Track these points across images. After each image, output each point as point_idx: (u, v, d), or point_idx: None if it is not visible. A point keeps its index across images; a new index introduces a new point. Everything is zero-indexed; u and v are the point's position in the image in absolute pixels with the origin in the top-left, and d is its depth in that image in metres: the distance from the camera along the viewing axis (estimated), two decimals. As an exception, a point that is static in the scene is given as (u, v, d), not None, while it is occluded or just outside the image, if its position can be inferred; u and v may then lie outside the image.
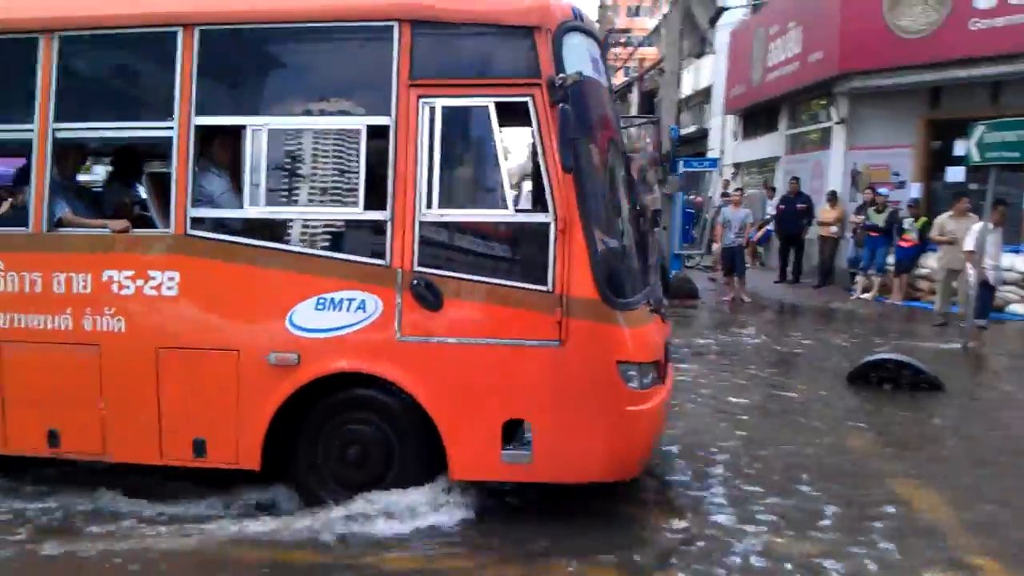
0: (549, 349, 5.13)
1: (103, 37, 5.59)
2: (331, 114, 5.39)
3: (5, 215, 5.97)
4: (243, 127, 5.39)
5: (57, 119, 5.53)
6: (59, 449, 5.64)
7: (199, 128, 5.40)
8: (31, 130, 5.53)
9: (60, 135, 5.58)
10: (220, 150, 5.65)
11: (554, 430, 5.22)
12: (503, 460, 5.25)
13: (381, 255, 5.23)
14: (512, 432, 5.25)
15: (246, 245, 5.42)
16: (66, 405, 5.58)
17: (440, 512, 5.34)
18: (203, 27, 5.36)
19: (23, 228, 5.63)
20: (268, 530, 5.26)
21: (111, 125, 5.76)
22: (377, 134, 5.22)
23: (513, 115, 5.19)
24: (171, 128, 5.39)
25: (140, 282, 5.47)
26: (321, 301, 5.29)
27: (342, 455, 5.48)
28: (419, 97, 5.17)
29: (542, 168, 5.12)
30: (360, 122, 5.28)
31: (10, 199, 6.07)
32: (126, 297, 5.47)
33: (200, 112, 5.38)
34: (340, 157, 5.38)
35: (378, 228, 5.26)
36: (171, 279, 5.45)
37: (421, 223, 5.19)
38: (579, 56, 5.30)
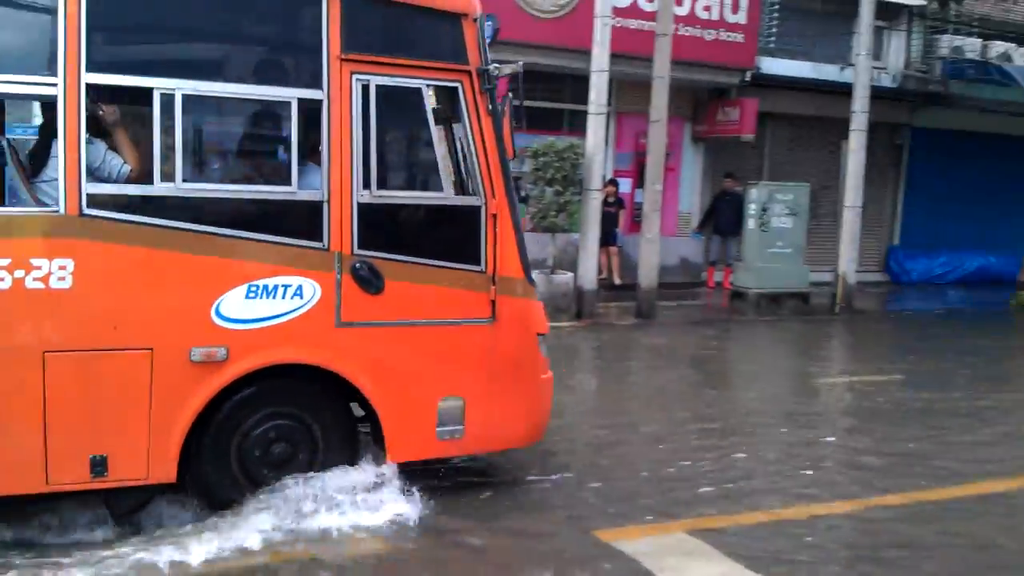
0: (483, 326, 5.32)
1: None
2: (258, 83, 4.93)
3: None
4: (150, 89, 4.60)
5: None
6: None
7: (91, 87, 4.50)
8: None
9: None
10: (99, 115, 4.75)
11: (485, 403, 5.36)
12: (438, 438, 5.29)
13: (318, 237, 4.92)
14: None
15: (161, 227, 4.63)
16: None
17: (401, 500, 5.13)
18: None
19: None
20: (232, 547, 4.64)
21: None
22: (310, 108, 4.92)
23: (444, 99, 5.27)
24: (55, 85, 4.44)
25: (20, 273, 4.40)
26: (252, 288, 4.82)
27: (264, 452, 5.06)
28: (352, 73, 4.96)
29: (472, 154, 5.24)
30: (291, 94, 4.88)
31: None
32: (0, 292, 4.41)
33: (92, 69, 4.49)
34: (270, 131, 5.14)
35: (313, 209, 4.92)
36: (63, 268, 4.47)
37: (359, 204, 4.97)
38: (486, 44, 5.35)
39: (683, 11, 15.43)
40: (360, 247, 4.99)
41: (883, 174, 19.36)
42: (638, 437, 7.19)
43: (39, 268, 4.43)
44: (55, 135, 4.55)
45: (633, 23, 14.97)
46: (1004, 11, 19.04)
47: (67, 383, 4.53)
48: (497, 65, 5.29)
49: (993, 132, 19.59)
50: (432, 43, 5.23)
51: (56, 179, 4.52)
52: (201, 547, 4.58)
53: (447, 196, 5.30)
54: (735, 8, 16.21)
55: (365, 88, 4.98)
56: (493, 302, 5.33)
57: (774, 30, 17.30)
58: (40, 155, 4.82)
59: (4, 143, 4.84)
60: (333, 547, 4.76)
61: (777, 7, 17.34)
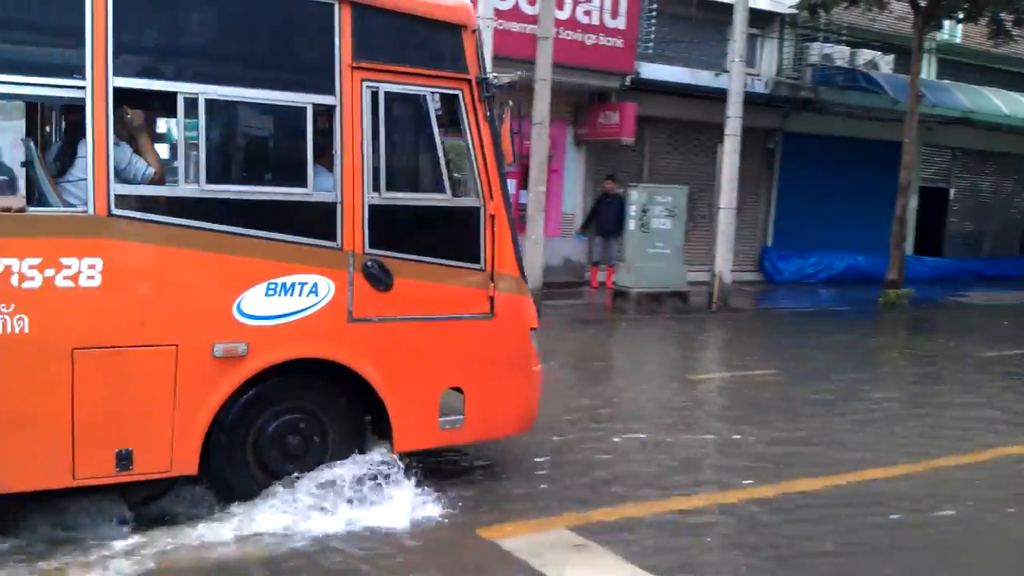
0: (482, 322, 5.67)
1: None
2: (275, 89, 5.07)
3: None
4: (174, 94, 4.78)
5: None
6: None
7: (118, 91, 4.61)
8: None
9: None
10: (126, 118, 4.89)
11: (484, 394, 5.70)
12: (440, 428, 5.59)
13: (332, 237, 5.16)
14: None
15: (186, 227, 4.79)
16: None
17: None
18: None
19: None
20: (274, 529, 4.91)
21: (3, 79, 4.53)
22: (323, 113, 5.19)
23: (446, 105, 5.57)
24: (83, 88, 4.55)
25: (50, 272, 4.49)
26: (272, 286, 5.02)
27: (279, 445, 5.24)
28: (362, 80, 5.22)
29: (472, 158, 5.59)
30: (306, 99, 5.09)
31: None
32: (30, 291, 4.45)
33: (119, 72, 4.60)
34: (285, 135, 5.33)
35: (327, 210, 5.16)
36: (92, 267, 4.57)
37: (370, 205, 5.23)
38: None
39: (564, 15, 15.64)
40: (371, 246, 5.25)
41: (757, 177, 19.98)
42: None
43: (69, 267, 4.53)
44: (80, 137, 4.68)
45: (515, 26, 15.10)
46: (870, 20, 19.86)
47: (95, 379, 4.62)
48: (496, 75, 5.72)
49: (861, 137, 20.44)
50: (434, 53, 5.53)
51: (81, 179, 4.65)
52: (225, 535, 4.81)
53: (449, 198, 5.58)
54: (614, 13, 16.52)
55: (374, 94, 5.26)
56: (491, 298, 5.70)
57: (652, 36, 17.69)
58: (64, 156, 4.92)
59: (31, 144, 4.78)
60: (343, 537, 4.93)
61: (655, 14, 17.73)
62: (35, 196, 4.62)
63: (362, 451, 5.42)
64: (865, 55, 19.62)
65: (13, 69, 4.47)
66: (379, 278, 5.27)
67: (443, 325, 5.56)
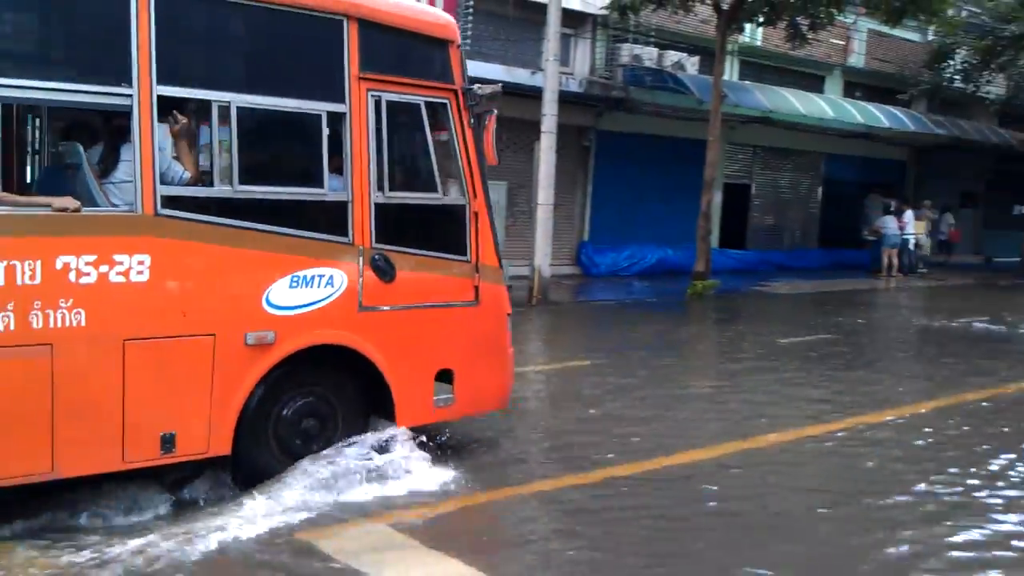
0: (468, 308, 6.33)
1: None
2: (296, 97, 5.56)
3: None
4: (209, 102, 5.25)
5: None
6: None
7: (161, 99, 5.00)
8: None
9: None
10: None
11: (470, 374, 6.35)
12: (436, 405, 6.22)
13: (344, 233, 5.71)
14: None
15: (221, 225, 5.23)
16: (4, 423, 4.62)
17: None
18: None
19: None
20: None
21: (56, 86, 4.82)
22: (334, 120, 5.69)
23: (436, 113, 6.17)
24: (130, 96, 4.89)
25: (104, 268, 4.81)
26: (295, 279, 5.50)
27: (297, 426, 5.72)
28: (368, 90, 5.79)
29: (458, 161, 6.24)
30: (321, 107, 5.62)
31: None
32: (88, 286, 4.75)
33: (162, 81, 4.99)
34: (302, 139, 5.75)
35: (340, 208, 5.71)
36: (141, 263, 4.93)
37: (375, 204, 5.81)
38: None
39: (381, 11, 15.45)
40: (376, 241, 5.83)
41: (573, 174, 20.46)
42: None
43: (121, 263, 4.86)
44: (121, 141, 5.13)
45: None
46: (676, 22, 20.66)
47: (143, 368, 4.97)
48: (479, 85, 6.35)
49: (669, 135, 21.25)
50: (427, 65, 6.15)
51: (124, 181, 5.06)
52: (258, 515, 5.16)
53: (440, 197, 6.25)
54: (431, 10, 16.47)
55: (377, 102, 5.85)
56: (476, 287, 6.36)
57: (469, 34, 17.80)
58: (107, 159, 5.30)
59: (79, 148, 5.18)
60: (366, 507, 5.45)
61: (471, 11, 17.85)
62: (85, 197, 4.95)
63: (365, 431, 5.98)
64: (672, 56, 20.39)
65: (69, 79, 4.81)
66: (384, 270, 5.87)
67: (436, 312, 6.19)
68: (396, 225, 5.99)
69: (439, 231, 6.35)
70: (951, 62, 24.75)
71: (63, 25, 4.97)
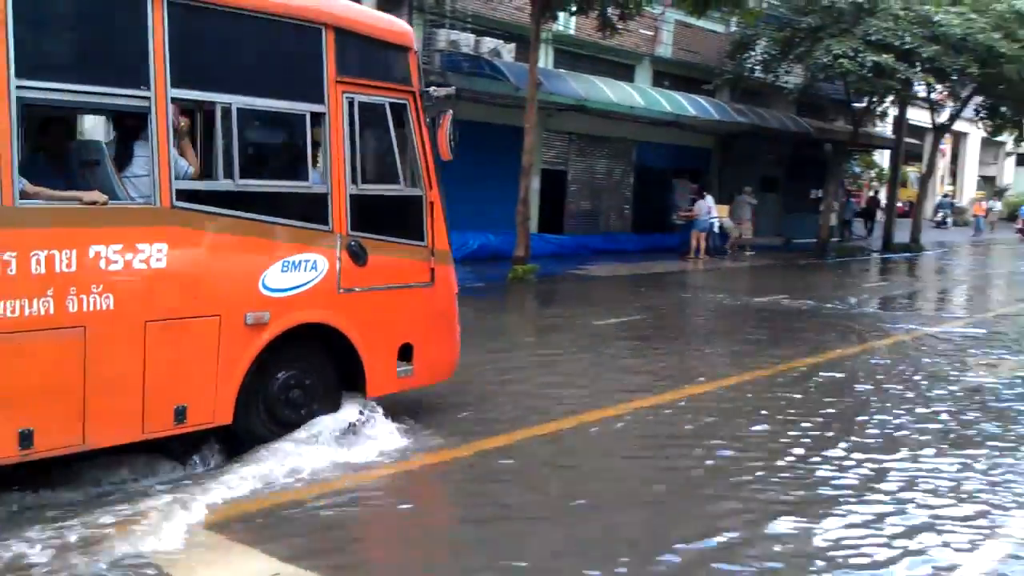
0: (425, 289, 7.03)
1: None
2: (285, 99, 6.18)
3: None
4: (213, 103, 5.81)
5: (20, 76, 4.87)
6: (33, 450, 5.01)
7: (174, 100, 5.51)
8: None
9: (24, 95, 4.93)
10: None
11: (427, 347, 7.06)
12: (398, 376, 6.90)
13: (325, 221, 6.29)
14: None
15: (227, 216, 5.78)
16: (42, 399, 5.00)
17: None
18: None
19: None
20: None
21: (90, 89, 5.30)
22: (315, 120, 6.29)
23: (397, 113, 6.81)
24: (148, 98, 5.37)
25: (129, 256, 5.27)
26: (286, 264, 6.06)
27: (284, 397, 6.34)
28: (343, 92, 6.39)
29: (415, 156, 6.93)
30: (306, 108, 6.22)
31: None
32: (114, 273, 5.21)
33: (176, 84, 5.47)
34: (291, 137, 6.41)
35: (321, 199, 6.30)
36: (159, 251, 5.41)
37: (351, 195, 6.41)
38: None
39: None
40: (352, 229, 6.43)
41: (393, 159, 20.21)
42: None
43: (143, 251, 5.32)
44: (134, 138, 5.62)
45: None
46: (492, 9, 20.79)
47: (161, 346, 5.44)
48: (435, 88, 7.19)
49: (489, 122, 21.32)
50: (390, 69, 6.81)
51: (139, 175, 5.52)
52: (247, 482, 5.71)
53: (403, 188, 6.91)
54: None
55: (351, 103, 6.45)
56: (432, 270, 7.05)
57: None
58: (121, 156, 5.72)
59: (102, 145, 5.76)
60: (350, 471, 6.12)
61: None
62: (108, 191, 5.37)
63: (338, 405, 6.60)
64: (489, 43, 20.49)
65: (95, 82, 5.29)
66: (359, 255, 6.46)
67: (399, 292, 6.83)
68: (367, 214, 6.57)
69: (402, 219, 6.98)
70: (752, 53, 25.95)
71: (91, 37, 5.39)
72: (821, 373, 10.30)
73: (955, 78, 26.11)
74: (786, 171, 31.39)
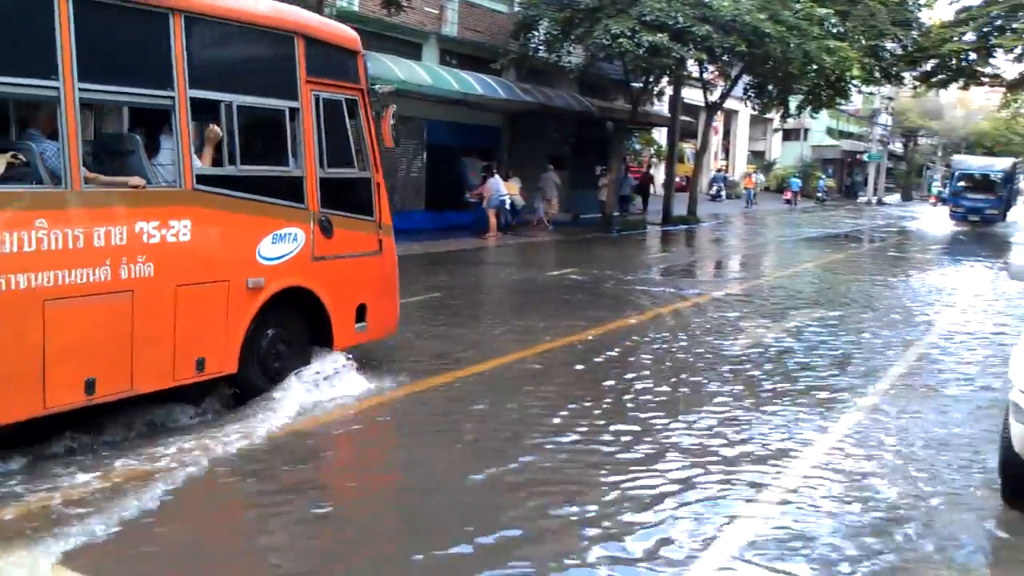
0: (375, 257, 8.33)
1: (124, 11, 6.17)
2: (273, 97, 7.37)
3: (9, 175, 5.73)
4: (219, 102, 6.83)
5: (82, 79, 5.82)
6: (95, 396, 5.98)
7: (191, 99, 6.52)
8: (56, 88, 5.67)
9: (84, 96, 5.90)
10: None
11: (377, 306, 8.36)
12: (356, 331, 8.13)
13: (302, 200, 7.46)
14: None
15: (233, 196, 6.84)
16: (102, 352, 5.98)
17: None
18: (188, 14, 6.46)
19: (60, 187, 5.79)
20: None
21: (130, 91, 6.42)
22: (293, 114, 7.40)
23: (350, 107, 8.04)
24: (172, 97, 6.40)
25: (164, 231, 6.29)
26: (276, 236, 7.17)
27: (271, 353, 7.43)
28: (311, 90, 7.53)
29: (364, 144, 8.17)
30: (286, 104, 7.37)
31: (11, 158, 5.78)
32: (154, 245, 6.22)
33: (193, 87, 6.51)
34: (277, 129, 7.39)
35: (299, 181, 7.46)
36: (185, 227, 6.45)
37: (320, 178, 7.59)
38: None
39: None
40: (321, 206, 7.61)
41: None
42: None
43: (173, 227, 6.35)
44: (159, 131, 6.66)
45: None
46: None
47: (187, 307, 6.46)
48: (379, 86, 8.68)
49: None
50: (344, 71, 7.99)
51: (164, 164, 6.57)
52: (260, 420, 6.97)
53: (357, 171, 8.16)
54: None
55: (317, 100, 7.60)
56: (380, 240, 8.38)
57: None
58: (149, 146, 6.65)
59: (137, 137, 6.60)
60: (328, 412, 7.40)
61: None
62: (143, 177, 6.36)
63: (308, 359, 7.72)
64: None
65: (137, 85, 6.39)
66: (327, 228, 7.65)
67: (356, 260, 8.05)
68: (331, 193, 7.72)
69: (357, 198, 8.16)
70: (535, 33, 26.37)
71: (132, 51, 6.42)
72: (606, 343, 10.65)
73: (725, 58, 27.48)
74: (572, 149, 32.19)
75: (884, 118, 63.71)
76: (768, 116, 45.09)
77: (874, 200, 60.58)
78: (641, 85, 28.39)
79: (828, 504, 5.83)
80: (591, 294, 14.66)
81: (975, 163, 44.69)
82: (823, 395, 8.43)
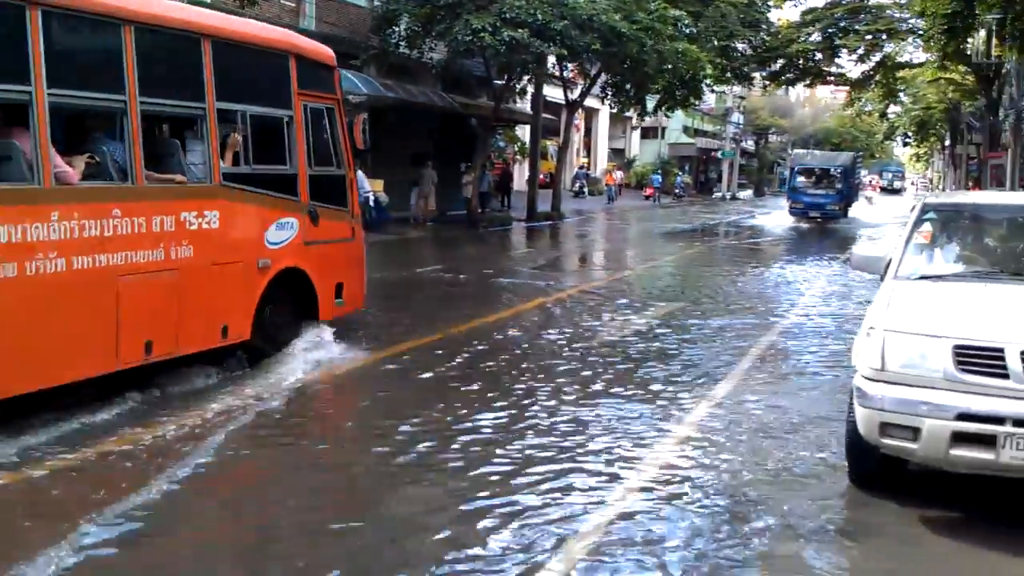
0: (349, 242, 9.80)
1: (170, 37, 7.63)
2: (271, 107, 8.84)
3: (88, 172, 6.95)
4: (236, 111, 8.37)
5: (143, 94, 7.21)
6: (152, 356, 7.34)
7: (218, 110, 7.97)
8: (123, 101, 7.07)
9: (144, 108, 7.30)
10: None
11: (351, 284, 9.77)
12: (335, 306, 9.50)
13: (296, 194, 8.89)
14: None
15: (247, 190, 8.30)
16: (157, 320, 7.37)
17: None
18: (215, 39, 7.93)
19: (128, 183, 7.17)
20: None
21: (179, 103, 7.97)
22: (289, 121, 8.83)
23: (329, 115, 9.52)
24: (204, 108, 7.86)
25: (200, 219, 7.71)
26: (279, 224, 8.59)
27: (273, 323, 8.69)
28: (301, 101, 8.95)
29: (340, 146, 9.62)
30: (284, 113, 8.81)
31: (88, 159, 6.97)
32: (193, 231, 7.64)
33: (218, 99, 7.90)
34: (277, 134, 8.80)
35: (293, 178, 8.89)
36: (215, 216, 7.87)
37: (309, 175, 9.00)
38: None
39: None
40: (311, 199, 9.02)
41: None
42: None
43: (206, 216, 7.79)
44: (192, 136, 8.10)
45: None
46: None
47: (216, 283, 7.94)
48: (353, 96, 11.58)
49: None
50: (324, 83, 9.45)
51: (195, 163, 7.96)
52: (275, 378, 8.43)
53: (336, 169, 9.62)
54: None
55: (306, 108, 9.02)
56: (353, 228, 9.86)
57: None
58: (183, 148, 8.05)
59: (176, 142, 8.01)
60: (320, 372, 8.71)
61: None
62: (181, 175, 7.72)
63: (298, 331, 9.11)
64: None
65: (179, 99, 7.90)
66: (314, 218, 9.03)
67: (335, 245, 9.43)
68: (317, 188, 9.13)
69: (335, 192, 9.59)
70: (396, 28, 26.18)
71: (176, 73, 7.88)
72: (476, 338, 10.69)
73: (584, 56, 27.92)
74: (436, 145, 32.11)
75: (736, 116, 66.09)
76: (627, 115, 46.08)
77: (728, 196, 62.70)
78: (503, 82, 28.55)
79: (679, 494, 5.97)
80: (459, 289, 14.67)
81: (814, 157, 44.32)
82: (674, 386, 8.64)
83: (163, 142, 8.11)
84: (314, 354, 8.90)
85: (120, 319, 6.93)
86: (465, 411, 7.59)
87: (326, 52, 9.55)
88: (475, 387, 8.41)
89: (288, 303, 8.83)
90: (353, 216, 9.81)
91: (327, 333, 9.31)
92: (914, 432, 5.48)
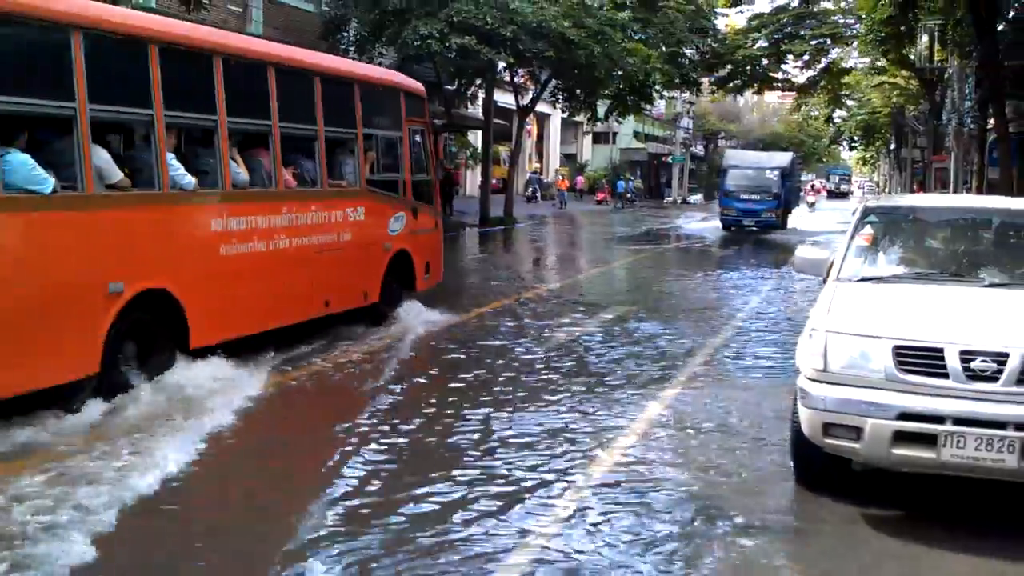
0: (434, 231, 12.82)
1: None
2: (390, 131, 11.97)
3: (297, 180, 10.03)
4: (372, 135, 11.35)
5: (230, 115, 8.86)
6: (327, 309, 10.28)
7: (364, 135, 11.10)
8: (314, 130, 10.21)
9: (327, 135, 10.37)
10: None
11: (436, 262, 12.83)
12: (424, 280, 12.54)
13: (404, 194, 12.00)
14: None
15: (379, 192, 11.45)
16: (331, 284, 10.25)
17: None
18: (360, 83, 11.18)
19: (318, 187, 10.27)
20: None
21: (343, 130, 10.84)
22: (399, 141, 12.07)
23: (424, 136, 12.75)
24: (355, 133, 10.86)
25: (354, 213, 10.82)
26: (395, 217, 11.64)
27: (390, 291, 11.59)
28: (408, 125, 12.06)
29: (430, 159, 12.87)
30: (396, 135, 11.97)
31: (294, 172, 10.02)
32: (351, 221, 10.68)
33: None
34: (392, 150, 11.92)
35: (403, 183, 12.03)
36: (362, 210, 10.92)
37: (412, 181, 12.15)
38: None
39: None
40: (413, 199, 12.05)
41: None
42: None
43: (358, 211, 10.80)
44: (348, 153, 10.99)
45: None
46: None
47: (362, 259, 10.98)
48: (436, 121, 17.02)
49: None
50: (420, 111, 12.53)
51: (348, 172, 10.88)
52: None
53: (427, 176, 12.74)
54: None
55: (410, 131, 12.04)
56: (436, 220, 12.93)
57: None
58: (332, 161, 10.83)
59: (340, 158, 10.94)
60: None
61: None
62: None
63: (401, 297, 11.97)
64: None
65: (342, 126, 10.80)
66: (415, 212, 11.97)
67: (427, 234, 12.40)
68: (416, 191, 12.05)
69: (426, 193, 12.54)
70: (345, 34, 26.03)
71: (336, 107, 10.59)
72: (432, 341, 10.67)
73: (535, 62, 27.97)
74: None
75: (686, 122, 66.61)
76: (578, 120, 46.24)
77: (679, 200, 63.21)
78: (454, 88, 28.51)
79: (631, 496, 5.98)
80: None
81: (748, 157, 38.26)
82: (626, 389, 8.67)
83: (334, 157, 10.78)
84: (422, 315, 11.76)
85: (314, 282, 9.86)
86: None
87: (421, 88, 12.79)
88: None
89: (398, 276, 11.55)
90: (437, 212, 12.95)
91: (420, 302, 12.09)
92: (856, 432, 5.53)
